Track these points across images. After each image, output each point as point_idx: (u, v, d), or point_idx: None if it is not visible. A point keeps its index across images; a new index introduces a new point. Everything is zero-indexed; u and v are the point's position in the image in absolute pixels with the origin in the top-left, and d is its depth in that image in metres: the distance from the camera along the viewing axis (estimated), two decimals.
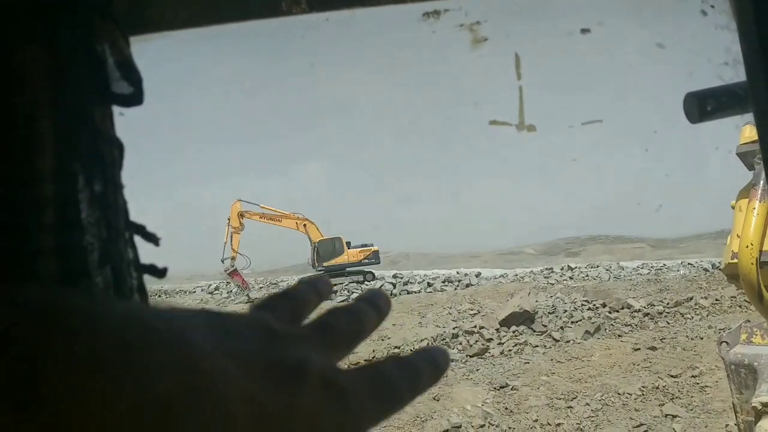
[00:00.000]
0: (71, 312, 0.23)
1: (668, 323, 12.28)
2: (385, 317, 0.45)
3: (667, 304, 13.60)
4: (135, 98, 0.52)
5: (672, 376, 8.60)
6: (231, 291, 25.32)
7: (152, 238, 0.56)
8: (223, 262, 24.30)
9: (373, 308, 0.44)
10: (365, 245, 26.52)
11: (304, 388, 0.30)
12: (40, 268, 0.41)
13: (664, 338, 10.86)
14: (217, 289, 26.48)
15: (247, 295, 23.95)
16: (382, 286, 22.83)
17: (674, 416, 7.30)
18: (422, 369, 0.39)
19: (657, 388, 8.24)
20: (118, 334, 0.24)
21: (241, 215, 24.77)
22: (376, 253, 26.46)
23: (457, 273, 26.00)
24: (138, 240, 0.55)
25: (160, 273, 0.56)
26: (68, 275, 0.43)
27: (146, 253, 0.55)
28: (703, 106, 0.88)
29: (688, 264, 26.52)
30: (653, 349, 10.21)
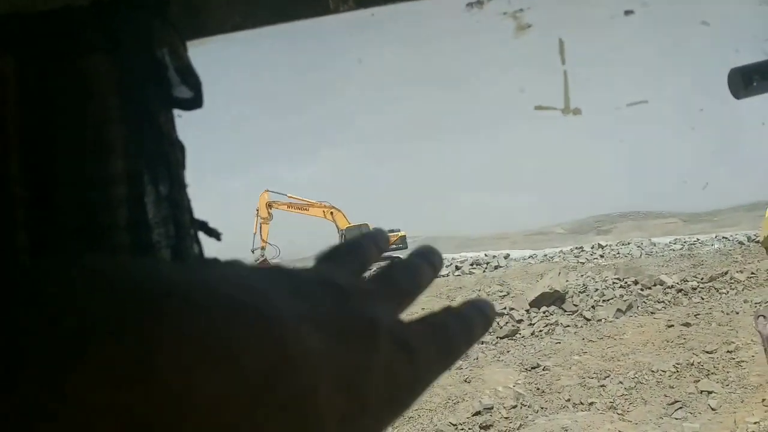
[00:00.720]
0: (170, 292, 0.25)
1: (702, 299, 12.05)
2: (438, 273, 0.46)
3: (701, 279, 13.34)
4: (195, 102, 0.54)
5: (707, 352, 8.48)
6: None
7: (214, 234, 0.59)
8: (253, 252, 24.61)
9: (428, 263, 0.44)
10: (392, 230, 26.52)
11: (377, 347, 0.31)
12: None
13: (699, 314, 10.68)
14: None
15: None
16: None
17: (710, 392, 7.22)
18: (474, 320, 0.40)
19: (692, 364, 8.14)
20: (207, 314, 0.25)
21: (269, 205, 25.04)
22: (403, 238, 26.44)
23: (486, 255, 25.83)
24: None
25: None
26: None
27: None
28: (748, 81, 0.88)
29: (723, 238, 25.84)
30: (687, 325, 10.06)
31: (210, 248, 0.59)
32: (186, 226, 0.54)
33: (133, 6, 0.48)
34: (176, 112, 0.55)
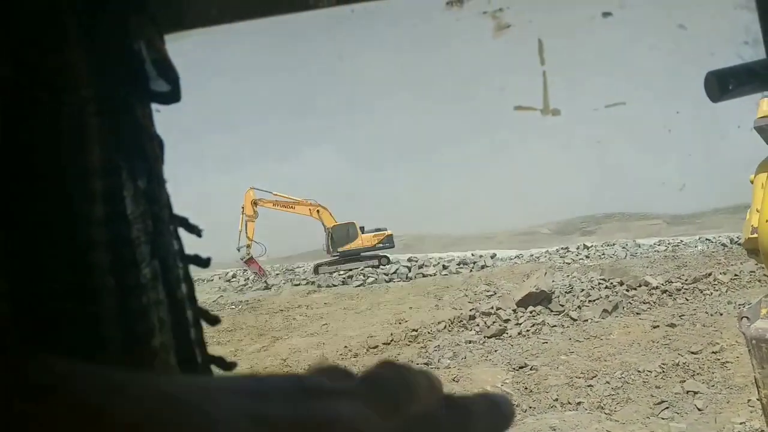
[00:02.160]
0: (108, 394, 0.24)
1: (687, 300, 12.21)
2: (508, 426, 0.36)
3: (686, 280, 13.51)
4: (173, 96, 0.53)
5: (692, 353, 8.58)
6: (248, 278, 25.54)
7: (195, 230, 0.58)
8: (239, 250, 24.52)
9: (493, 411, 0.36)
10: (379, 229, 26.57)
11: None
12: (94, 259, 0.43)
13: (683, 315, 10.81)
14: (234, 276, 26.71)
15: (265, 281, 24.14)
16: (397, 269, 22.89)
17: (695, 392, 7.30)
18: (478, 418, 0.34)
19: (677, 365, 8.23)
20: (145, 413, 0.24)
21: (254, 203, 24.97)
22: (390, 237, 26.52)
23: (472, 255, 26.00)
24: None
25: (204, 263, 0.59)
26: (119, 267, 0.44)
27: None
28: (724, 84, 0.88)
29: (706, 239, 26.29)
30: (672, 326, 10.17)
31: (191, 245, 0.58)
32: (165, 222, 0.52)
33: None
34: (155, 106, 0.54)
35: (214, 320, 0.61)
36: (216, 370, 0.58)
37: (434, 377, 0.38)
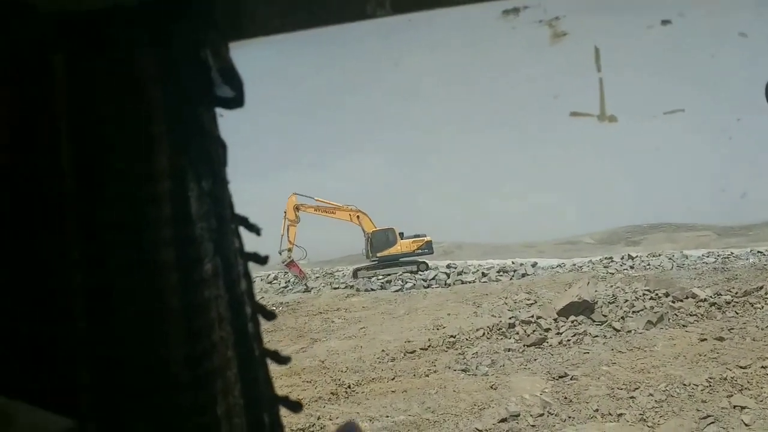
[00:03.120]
0: None
1: (737, 313, 11.76)
2: None
3: (735, 293, 13.01)
4: (236, 101, 0.56)
5: (741, 367, 8.28)
6: (289, 281, 25.84)
7: (254, 229, 0.62)
8: (280, 254, 24.84)
9: None
10: (418, 236, 26.51)
11: None
12: (160, 257, 0.46)
13: (733, 328, 10.43)
14: (275, 278, 27.05)
15: (305, 284, 24.40)
16: (435, 276, 22.79)
17: (743, 407, 7.04)
18: None
19: (725, 379, 7.95)
20: None
21: (296, 208, 25.33)
22: (429, 243, 26.41)
23: (513, 263, 25.61)
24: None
25: (262, 260, 0.63)
26: (183, 264, 0.47)
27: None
28: None
29: (758, 252, 25.18)
30: (721, 339, 9.83)
31: (250, 243, 0.61)
32: (227, 221, 0.55)
33: (179, 7, 0.50)
34: (219, 111, 0.57)
35: (271, 315, 0.65)
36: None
37: None
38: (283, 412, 0.60)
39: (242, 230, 0.62)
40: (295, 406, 0.60)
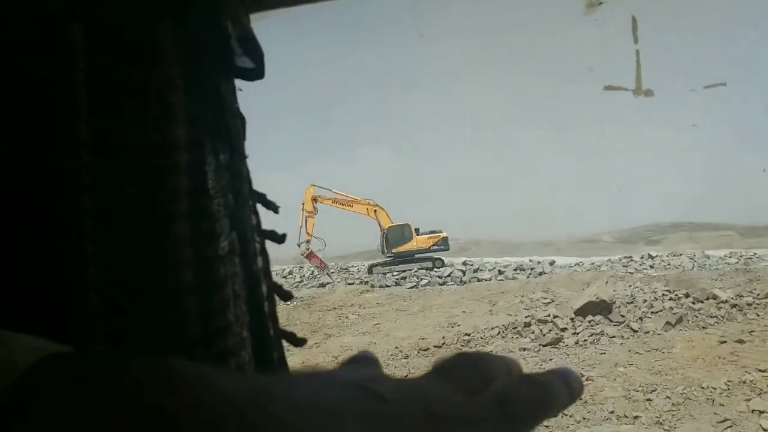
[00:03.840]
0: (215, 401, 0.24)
1: (758, 315, 11.53)
2: (576, 399, 0.38)
3: (758, 295, 12.76)
4: (257, 73, 0.54)
5: (761, 371, 8.12)
6: (304, 275, 25.96)
7: (272, 206, 0.60)
8: (299, 246, 24.94)
9: (565, 385, 0.37)
10: (434, 232, 26.45)
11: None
12: (175, 231, 0.44)
13: (754, 331, 10.23)
14: (290, 273, 27.22)
15: (327, 274, 24.48)
16: (451, 273, 22.71)
17: (762, 412, 6.90)
18: (553, 390, 0.35)
19: (744, 382, 7.80)
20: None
21: (314, 200, 25.37)
22: (445, 239, 26.36)
23: (530, 261, 25.46)
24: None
25: (280, 239, 0.60)
26: (198, 239, 0.45)
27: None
28: None
29: None
30: (741, 342, 9.65)
31: (266, 221, 0.58)
32: (245, 197, 0.53)
33: None
34: (237, 85, 0.55)
35: (287, 295, 0.63)
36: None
37: (511, 360, 0.40)
38: None
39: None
40: None
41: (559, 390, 0.35)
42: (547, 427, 7.03)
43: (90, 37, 0.41)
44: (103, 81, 0.41)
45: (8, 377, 0.23)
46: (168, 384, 0.24)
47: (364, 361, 0.40)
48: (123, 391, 0.23)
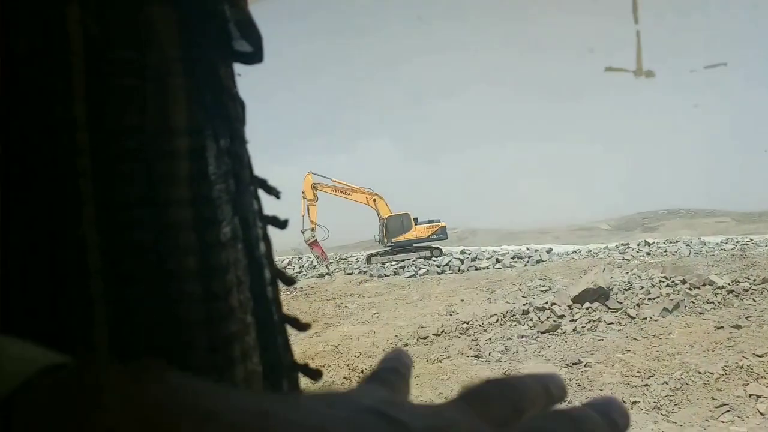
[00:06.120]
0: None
1: (755, 300, 11.61)
2: None
3: (754, 280, 12.84)
4: (255, 56, 0.53)
5: (758, 356, 8.18)
6: (303, 266, 25.97)
7: (273, 191, 0.59)
8: (303, 233, 24.84)
9: (605, 420, 0.33)
10: (432, 221, 26.49)
11: None
12: (176, 216, 0.44)
13: (750, 316, 10.30)
14: (289, 263, 27.24)
15: (326, 266, 24.41)
16: (449, 261, 22.76)
17: (759, 396, 6.96)
18: (592, 427, 0.32)
19: (741, 367, 7.86)
20: None
21: (314, 187, 25.26)
22: (443, 228, 26.40)
23: (527, 249, 25.55)
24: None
25: (282, 224, 0.59)
26: (200, 224, 0.45)
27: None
28: None
29: None
30: (738, 327, 9.71)
31: (269, 206, 0.58)
32: (246, 182, 0.53)
33: None
34: (237, 70, 0.54)
35: (290, 281, 0.63)
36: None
37: (551, 378, 0.39)
38: (303, 380, 0.59)
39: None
40: (316, 374, 0.58)
41: (599, 427, 0.32)
42: None
43: (85, 18, 0.40)
44: (101, 63, 0.41)
45: None
46: (170, 413, 0.23)
47: (390, 371, 0.40)
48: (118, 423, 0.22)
